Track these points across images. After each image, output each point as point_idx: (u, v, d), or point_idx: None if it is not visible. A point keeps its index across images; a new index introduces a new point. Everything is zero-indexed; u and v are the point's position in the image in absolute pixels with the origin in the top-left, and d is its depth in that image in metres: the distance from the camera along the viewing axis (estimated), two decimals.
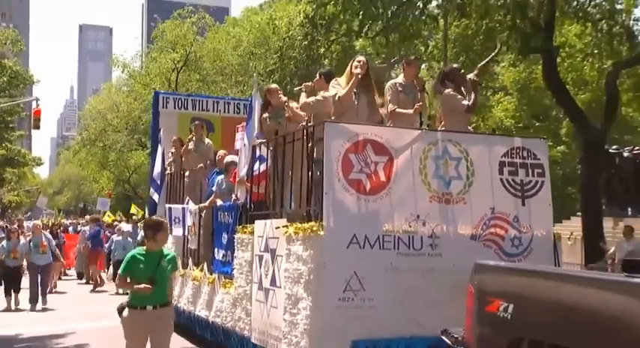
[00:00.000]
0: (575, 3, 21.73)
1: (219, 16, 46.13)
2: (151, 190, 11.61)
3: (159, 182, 11.16)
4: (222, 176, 9.42)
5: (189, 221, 9.63)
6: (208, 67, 36.19)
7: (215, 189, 9.35)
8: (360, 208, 6.40)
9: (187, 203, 9.81)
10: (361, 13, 20.01)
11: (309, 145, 7.00)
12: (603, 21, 22.80)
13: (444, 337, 5.40)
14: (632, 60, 22.85)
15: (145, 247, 6.37)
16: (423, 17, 20.04)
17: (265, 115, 8.20)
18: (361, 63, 7.23)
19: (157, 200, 11.05)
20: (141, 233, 18.33)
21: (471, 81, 7.51)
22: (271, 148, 7.88)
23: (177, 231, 9.81)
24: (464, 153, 6.74)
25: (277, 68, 26.11)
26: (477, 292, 4.77)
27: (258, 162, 8.07)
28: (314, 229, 6.30)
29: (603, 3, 21.84)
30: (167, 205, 10.31)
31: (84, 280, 19.78)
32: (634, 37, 23.44)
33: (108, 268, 18.67)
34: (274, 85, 8.81)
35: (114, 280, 17.32)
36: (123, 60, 40.49)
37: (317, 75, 8.24)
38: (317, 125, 6.92)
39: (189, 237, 9.79)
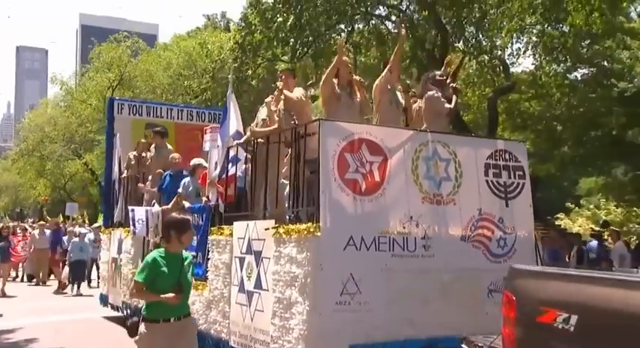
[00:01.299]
0: (464, 39, 21.72)
1: (149, 42, 43.54)
2: (117, 194, 9.86)
3: (117, 185, 9.51)
4: (188, 178, 7.94)
5: (151, 223, 8.06)
6: (141, 86, 33.97)
7: (181, 190, 7.85)
8: (357, 208, 5.21)
9: (153, 205, 8.24)
10: (292, 41, 19.15)
11: (298, 145, 5.70)
12: (484, 55, 22.92)
13: (464, 346, 4.28)
14: (506, 88, 23.05)
15: (164, 249, 4.54)
16: (348, 45, 19.31)
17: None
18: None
19: (118, 203, 9.39)
20: (89, 235, 16.24)
21: (452, 88, 6.56)
22: (250, 148, 6.53)
23: (141, 232, 8.22)
24: (452, 154, 5.68)
25: (209, 87, 24.66)
26: (520, 299, 3.64)
27: (231, 163, 6.70)
28: (310, 230, 5.04)
29: (485, 40, 21.88)
30: (130, 207, 8.68)
31: (34, 282, 17.20)
32: (508, 69, 23.69)
33: (62, 270, 16.39)
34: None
35: (69, 281, 15.25)
36: (61, 78, 37.81)
37: (281, 76, 6.78)
38: (307, 123, 5.66)
39: (150, 239, 8.21)
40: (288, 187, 5.71)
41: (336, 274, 5.04)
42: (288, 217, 5.63)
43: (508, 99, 26.00)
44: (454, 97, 6.43)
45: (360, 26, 20.48)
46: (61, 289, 15.30)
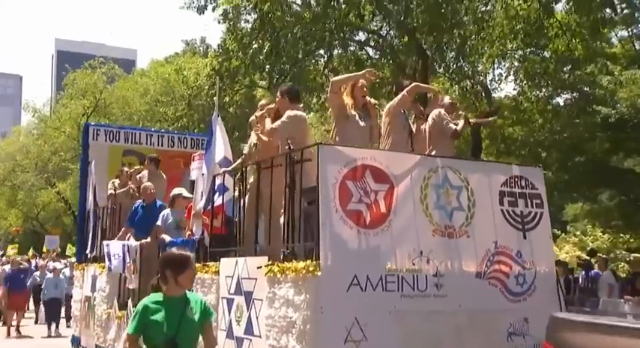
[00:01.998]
0: (444, 65, 21.56)
1: (127, 67, 42.82)
2: (94, 225, 9.06)
3: (91, 216, 8.79)
4: (168, 210, 7.30)
5: (128, 259, 7.38)
6: (117, 113, 33.14)
7: (160, 223, 7.20)
8: (361, 244, 4.63)
9: (128, 239, 7.57)
10: (268, 67, 18.75)
11: (292, 172, 5.13)
12: (467, 80, 22.79)
13: None
14: (489, 113, 22.83)
15: (161, 293, 3.79)
16: (326, 71, 18.97)
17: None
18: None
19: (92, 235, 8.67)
20: (66, 270, 15.21)
21: (463, 116, 6.19)
22: (237, 176, 5.95)
23: (117, 268, 7.53)
24: (464, 181, 5.13)
25: (185, 114, 24.05)
26: None
27: (217, 193, 6.08)
28: (309, 268, 4.45)
29: (466, 65, 21.76)
30: (105, 241, 7.98)
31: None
32: (490, 95, 23.58)
33: (38, 308, 15.29)
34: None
35: (45, 321, 14.12)
36: (34, 105, 36.89)
37: (278, 95, 6.29)
38: (304, 148, 5.11)
39: (127, 276, 7.51)
40: (282, 219, 5.12)
41: (338, 318, 4.45)
42: (282, 254, 5.03)
43: (491, 125, 25.86)
44: (461, 122, 6.01)
45: (339, 52, 20.19)
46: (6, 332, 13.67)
